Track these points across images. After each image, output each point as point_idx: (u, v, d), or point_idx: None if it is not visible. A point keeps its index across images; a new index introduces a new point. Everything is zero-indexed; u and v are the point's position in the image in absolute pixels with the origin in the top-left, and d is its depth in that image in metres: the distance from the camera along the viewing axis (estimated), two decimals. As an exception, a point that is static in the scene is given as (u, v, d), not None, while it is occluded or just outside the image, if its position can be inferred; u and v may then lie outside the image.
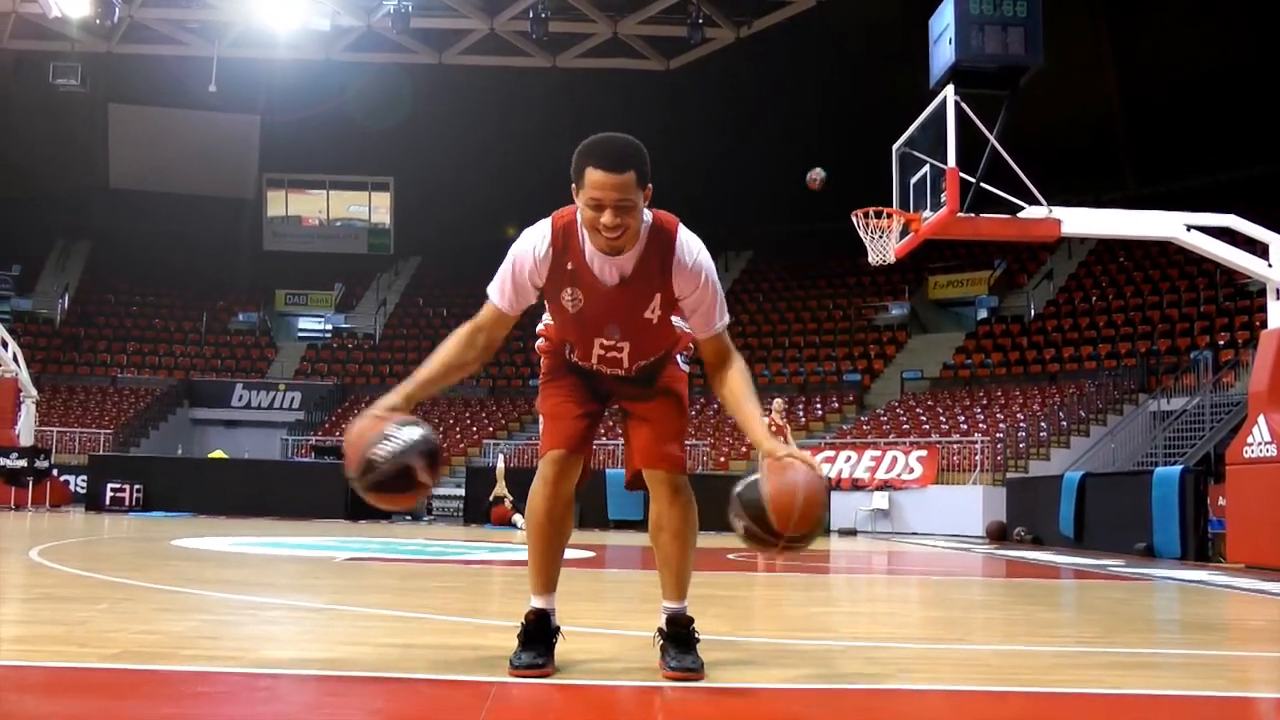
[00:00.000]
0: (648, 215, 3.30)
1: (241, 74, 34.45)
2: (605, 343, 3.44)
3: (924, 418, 27.67)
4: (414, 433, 3.12)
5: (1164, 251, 30.63)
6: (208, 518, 18.70)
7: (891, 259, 12.00)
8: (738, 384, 3.39)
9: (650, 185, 3.22)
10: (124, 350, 37.48)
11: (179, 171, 40.15)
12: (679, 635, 3.42)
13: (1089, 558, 13.26)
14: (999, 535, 19.46)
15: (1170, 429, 24.10)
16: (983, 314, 33.99)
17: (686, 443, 3.66)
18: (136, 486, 20.36)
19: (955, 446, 24.67)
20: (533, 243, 3.33)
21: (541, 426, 3.60)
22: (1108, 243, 32.99)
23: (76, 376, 36.02)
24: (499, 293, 3.37)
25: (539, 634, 3.41)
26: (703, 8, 28.03)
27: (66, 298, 39.60)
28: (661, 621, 3.49)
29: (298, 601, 5.59)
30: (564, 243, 3.31)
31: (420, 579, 7.45)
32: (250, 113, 39.49)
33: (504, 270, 3.36)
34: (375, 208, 43.42)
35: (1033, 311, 32.40)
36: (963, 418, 27.09)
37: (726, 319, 3.44)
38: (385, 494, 3.16)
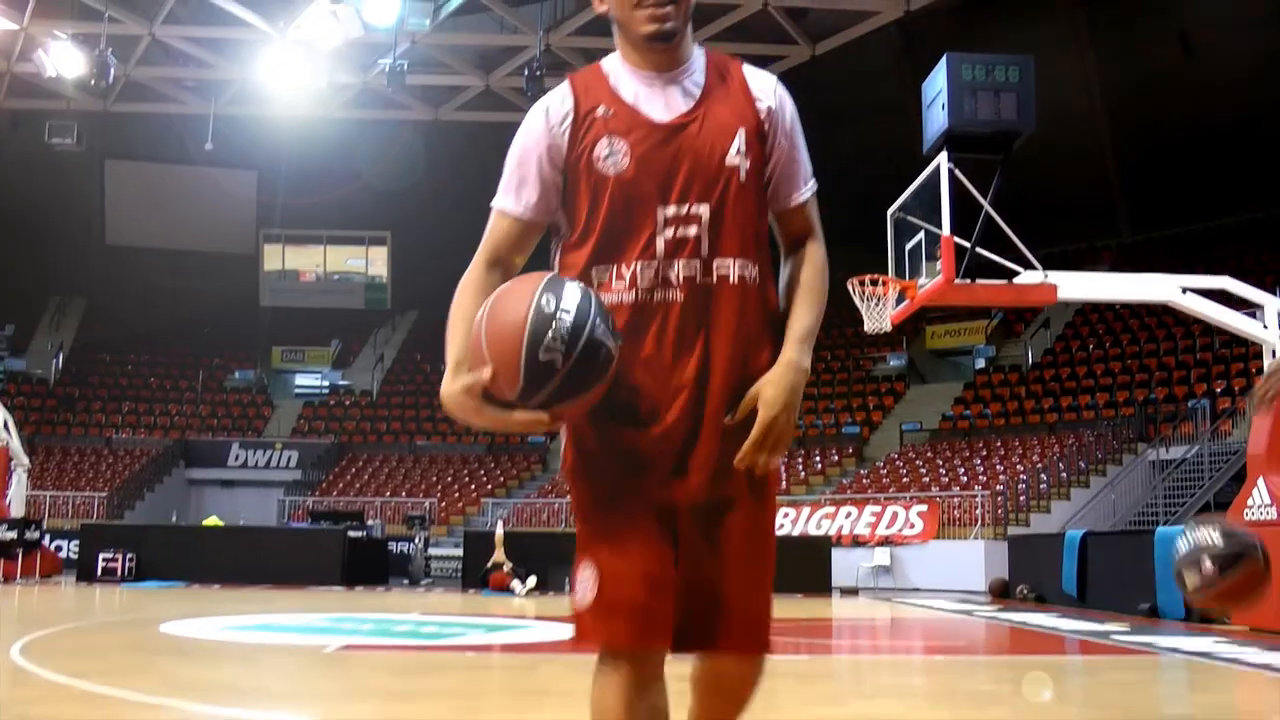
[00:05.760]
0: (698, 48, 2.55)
1: (239, 130, 34.51)
2: (672, 212, 2.38)
3: (924, 470, 27.52)
4: (574, 292, 2.24)
5: (1160, 299, 30.59)
6: (201, 587, 18.53)
7: (888, 327, 11.95)
8: (807, 275, 2.53)
9: None
10: (119, 410, 37.29)
11: (176, 227, 40.21)
12: None
13: (1093, 620, 13.11)
14: (1001, 592, 19.27)
15: (1170, 479, 23.96)
16: (980, 364, 33.91)
17: None
18: (129, 555, 20.14)
19: (956, 500, 24.51)
20: (544, 105, 2.49)
21: (580, 572, 2.37)
22: (1104, 290, 32.97)
23: (71, 438, 35.81)
24: (510, 192, 2.49)
25: None
26: (696, 63, 28.08)
27: (61, 357, 39.45)
28: None
29: (285, 717, 5.44)
30: (586, 87, 2.47)
31: (415, 676, 7.30)
32: (248, 168, 39.60)
33: (510, 161, 2.51)
34: (372, 260, 43.47)
35: (1030, 360, 32.32)
36: (962, 469, 26.95)
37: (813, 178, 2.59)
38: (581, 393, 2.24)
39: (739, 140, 2.42)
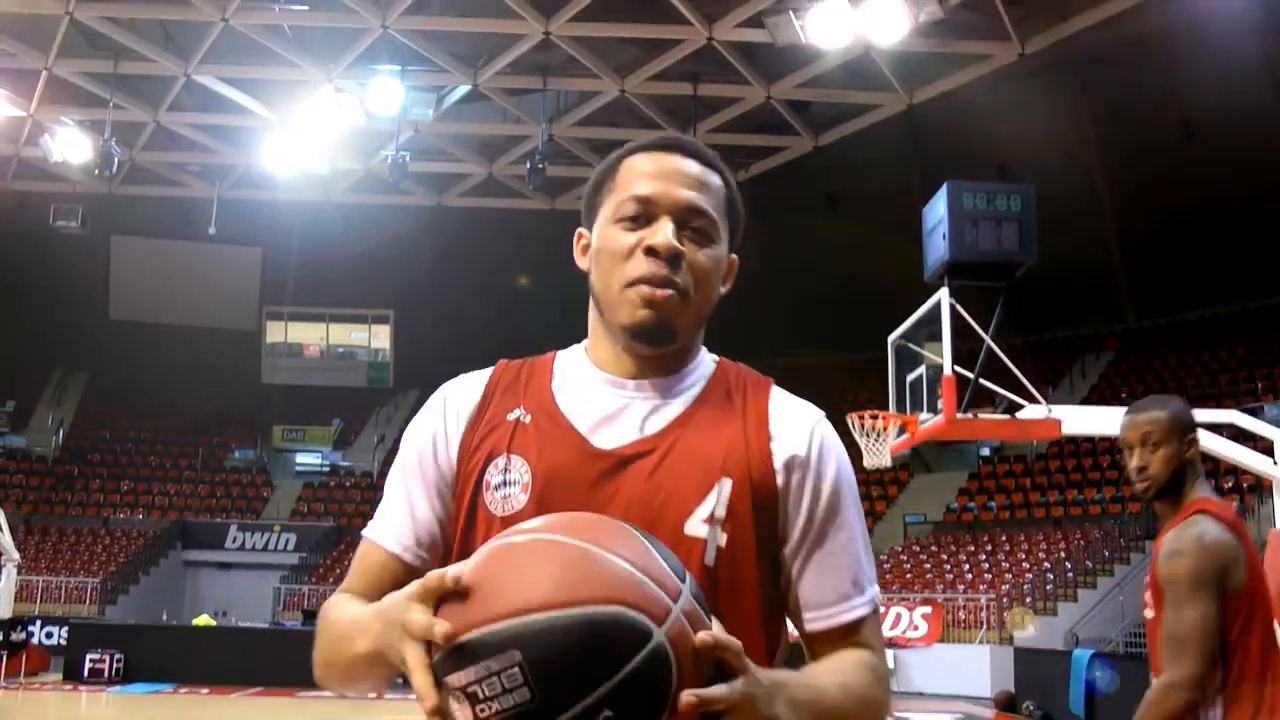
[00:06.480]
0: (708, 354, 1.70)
1: (243, 208, 34.61)
2: None
3: (928, 565, 27.14)
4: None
5: (1166, 389, 30.35)
6: (189, 691, 18.22)
7: (888, 462, 11.73)
8: (856, 673, 1.55)
9: (736, 258, 1.72)
10: (117, 490, 36.93)
11: (179, 302, 40.15)
12: None
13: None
14: (1007, 706, 18.86)
15: (1179, 581, 23.54)
16: (985, 452, 33.54)
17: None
18: (117, 656, 19.80)
19: (960, 601, 24.12)
20: (441, 397, 1.68)
21: None
22: (1109, 376, 32.87)
23: (68, 518, 35.38)
24: (381, 517, 1.63)
25: None
26: (700, 153, 28.02)
27: (61, 433, 39.20)
28: None
29: None
30: (514, 378, 1.65)
31: None
32: (252, 244, 39.63)
33: (391, 471, 1.66)
34: (375, 335, 43.32)
35: (1034, 450, 31.98)
36: (967, 565, 26.57)
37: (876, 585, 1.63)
38: None
39: (716, 497, 1.48)
